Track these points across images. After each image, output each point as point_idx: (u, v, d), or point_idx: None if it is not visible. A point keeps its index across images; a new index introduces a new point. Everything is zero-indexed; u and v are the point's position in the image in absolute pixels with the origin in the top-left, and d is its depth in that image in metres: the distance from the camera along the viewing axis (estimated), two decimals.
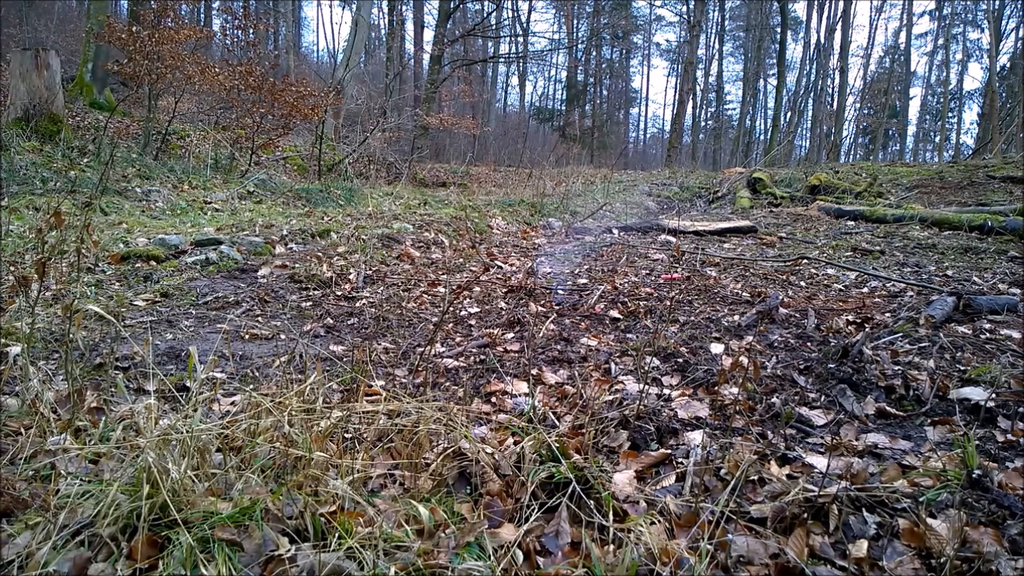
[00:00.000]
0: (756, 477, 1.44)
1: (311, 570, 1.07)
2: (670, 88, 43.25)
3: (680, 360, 2.30)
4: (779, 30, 25.92)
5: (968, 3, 30.28)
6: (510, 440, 1.62)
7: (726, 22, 35.00)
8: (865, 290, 3.55)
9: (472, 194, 11.02)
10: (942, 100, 32.16)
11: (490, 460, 1.45)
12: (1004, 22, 28.08)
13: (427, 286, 3.71)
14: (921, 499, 1.30)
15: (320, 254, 4.22)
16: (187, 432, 1.30)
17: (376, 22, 24.92)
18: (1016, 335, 2.46)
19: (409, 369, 2.31)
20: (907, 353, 2.26)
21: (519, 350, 2.51)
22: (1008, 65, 27.60)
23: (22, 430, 1.52)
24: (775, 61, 28.84)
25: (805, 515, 1.27)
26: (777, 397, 1.98)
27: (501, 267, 4.40)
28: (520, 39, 27.35)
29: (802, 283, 3.76)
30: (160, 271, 3.68)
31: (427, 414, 1.52)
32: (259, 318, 2.96)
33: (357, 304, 3.29)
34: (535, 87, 39.44)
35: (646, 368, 2.16)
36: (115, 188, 6.35)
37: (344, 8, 30.30)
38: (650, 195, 10.88)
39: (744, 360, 2.01)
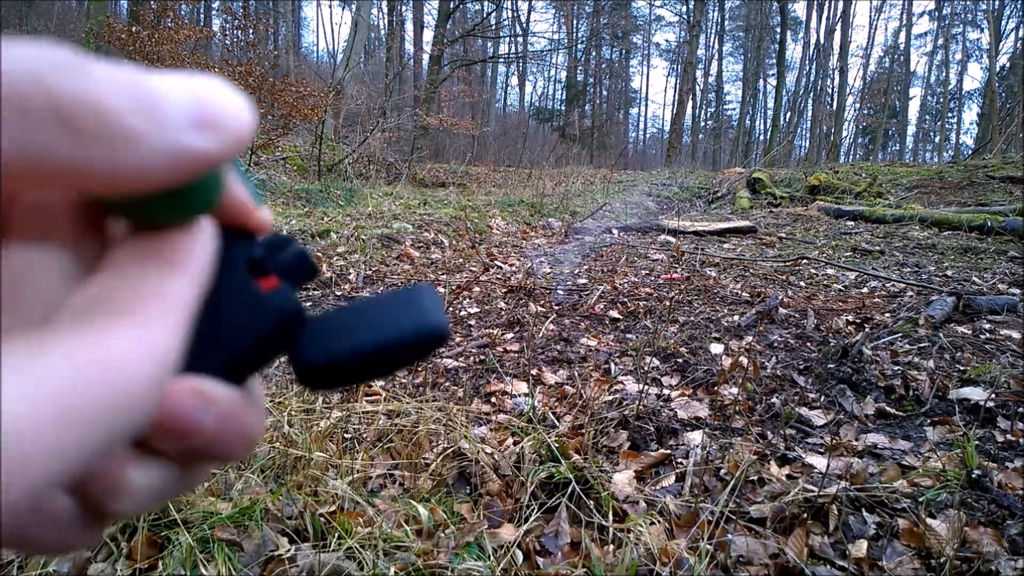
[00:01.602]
0: (756, 477, 1.44)
1: (311, 570, 1.07)
2: (670, 88, 43.26)
3: (680, 360, 2.30)
4: (779, 30, 25.94)
5: (968, 3, 30.30)
6: (510, 440, 1.62)
7: (726, 22, 35.06)
8: (865, 290, 3.55)
9: (472, 194, 11.02)
10: (942, 100, 32.20)
11: (490, 460, 1.45)
12: (1004, 22, 28.14)
13: None
14: (921, 499, 1.30)
15: (320, 254, 4.22)
16: None
17: (376, 22, 24.94)
18: (1016, 335, 2.47)
19: (409, 369, 2.31)
20: (907, 353, 2.26)
21: (519, 350, 2.51)
22: (1008, 65, 27.63)
23: None
24: (775, 61, 28.87)
25: (805, 515, 1.27)
26: (777, 397, 1.98)
27: (501, 267, 4.40)
28: (520, 39, 27.38)
29: (802, 283, 3.77)
30: None
31: (427, 414, 1.52)
32: None
33: None
34: (535, 87, 39.50)
35: (646, 368, 2.16)
36: None
37: (344, 8, 30.31)
38: (650, 195, 10.88)
39: (744, 360, 2.01)
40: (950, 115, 33.14)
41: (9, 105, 0.13)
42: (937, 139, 33.13)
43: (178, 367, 0.17)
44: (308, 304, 3.24)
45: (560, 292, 3.46)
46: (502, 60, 28.46)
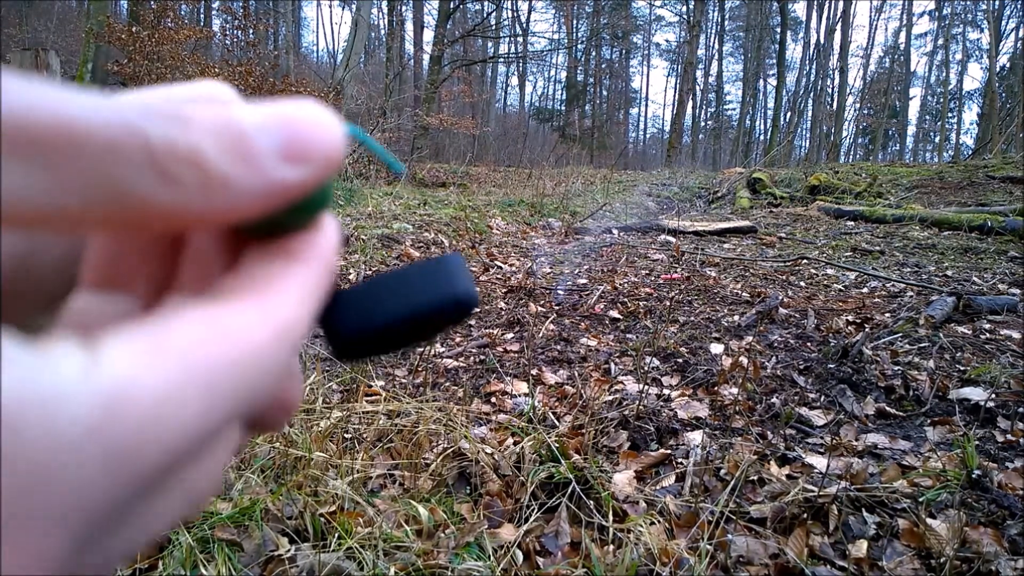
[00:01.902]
0: (756, 477, 1.44)
1: (311, 570, 1.07)
2: (670, 88, 43.21)
3: (680, 360, 2.30)
4: (779, 30, 25.96)
5: (968, 3, 30.32)
6: (510, 440, 1.62)
7: (726, 22, 35.07)
8: (865, 290, 3.55)
9: (472, 194, 11.01)
10: (942, 100, 32.20)
11: (490, 460, 1.46)
12: (1004, 22, 28.16)
13: None
14: (921, 499, 1.30)
15: None
16: None
17: (376, 22, 24.94)
18: (1016, 335, 2.47)
19: (409, 369, 2.31)
20: (907, 353, 2.26)
21: (519, 350, 2.51)
22: (1008, 65, 27.64)
23: None
24: (775, 61, 28.89)
25: (805, 515, 1.27)
26: (777, 397, 1.98)
27: (501, 267, 4.40)
28: (520, 39, 27.37)
29: (802, 283, 3.77)
30: None
31: (427, 414, 1.52)
32: None
33: None
34: (535, 87, 39.49)
35: (646, 368, 2.16)
36: None
37: (344, 8, 30.32)
38: (650, 195, 10.88)
39: (744, 360, 2.01)
40: (950, 115, 33.17)
41: (103, 153, 0.13)
42: (937, 139, 33.13)
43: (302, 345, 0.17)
44: None
45: (560, 292, 3.46)
46: (502, 60, 28.45)
